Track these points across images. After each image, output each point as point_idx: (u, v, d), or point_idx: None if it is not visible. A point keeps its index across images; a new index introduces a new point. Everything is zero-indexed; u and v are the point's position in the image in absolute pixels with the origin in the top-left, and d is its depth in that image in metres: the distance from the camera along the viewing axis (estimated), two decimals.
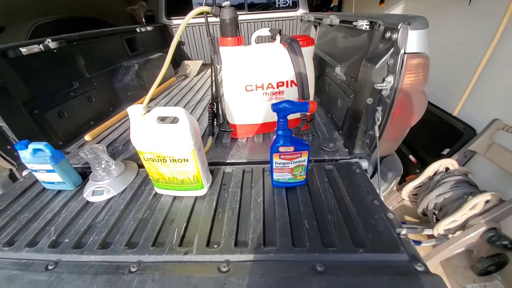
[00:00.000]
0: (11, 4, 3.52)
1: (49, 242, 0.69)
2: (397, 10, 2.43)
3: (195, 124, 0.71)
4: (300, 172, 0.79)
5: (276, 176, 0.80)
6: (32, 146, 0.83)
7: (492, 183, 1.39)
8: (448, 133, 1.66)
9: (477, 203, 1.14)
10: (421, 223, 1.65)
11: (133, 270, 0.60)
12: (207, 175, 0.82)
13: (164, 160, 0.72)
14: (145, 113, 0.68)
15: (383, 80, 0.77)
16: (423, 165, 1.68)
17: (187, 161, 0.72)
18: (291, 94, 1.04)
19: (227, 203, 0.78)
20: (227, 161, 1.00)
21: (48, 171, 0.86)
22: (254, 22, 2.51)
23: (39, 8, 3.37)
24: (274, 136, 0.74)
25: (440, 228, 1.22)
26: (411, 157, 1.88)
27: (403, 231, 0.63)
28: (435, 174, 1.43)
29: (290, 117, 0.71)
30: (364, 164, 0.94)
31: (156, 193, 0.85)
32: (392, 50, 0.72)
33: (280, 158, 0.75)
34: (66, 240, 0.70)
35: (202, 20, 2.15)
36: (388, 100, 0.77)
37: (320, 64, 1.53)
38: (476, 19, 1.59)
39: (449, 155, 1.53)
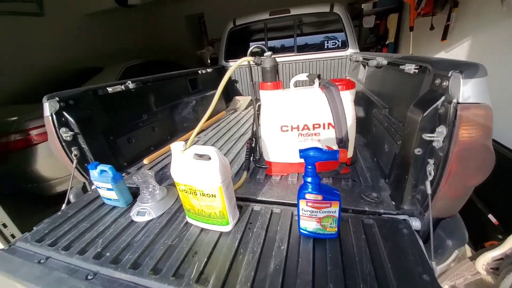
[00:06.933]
0: (110, 50, 4.70)
1: (95, 253, 0.78)
2: (463, 46, 2.20)
3: (225, 163, 0.76)
4: (331, 224, 0.72)
5: (303, 224, 0.75)
6: (100, 167, 1.00)
7: None
8: None
9: None
10: None
11: None
12: (233, 212, 0.83)
13: (195, 193, 0.77)
14: (184, 150, 0.76)
15: (434, 130, 0.68)
16: (508, 229, 1.31)
17: (215, 196, 0.75)
18: (328, 136, 1.01)
19: (249, 245, 0.76)
20: (257, 198, 1.00)
21: (108, 189, 1.02)
22: (302, 62, 2.63)
23: (130, 53, 4.37)
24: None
25: None
26: (491, 217, 1.50)
27: None
28: None
29: None
30: (415, 223, 0.80)
31: (187, 222, 0.90)
32: (443, 98, 0.65)
33: (307, 205, 0.71)
34: (108, 254, 0.78)
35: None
36: (441, 153, 0.67)
37: (367, 104, 1.47)
38: None
39: None
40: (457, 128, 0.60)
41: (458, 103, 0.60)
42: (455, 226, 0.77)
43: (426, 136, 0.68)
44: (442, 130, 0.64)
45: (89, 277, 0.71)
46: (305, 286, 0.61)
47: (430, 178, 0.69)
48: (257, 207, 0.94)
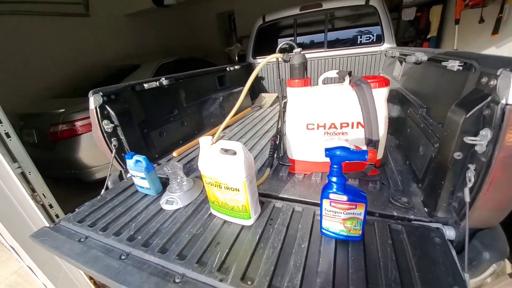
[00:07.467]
0: (146, 49, 5.04)
1: (128, 235, 0.86)
2: None
3: (250, 158, 0.78)
4: (355, 226, 0.70)
5: (326, 224, 0.74)
6: (135, 157, 1.09)
7: None
8: None
9: None
10: None
11: (177, 281, 0.67)
12: (255, 207, 0.84)
13: (220, 186, 0.80)
14: (211, 144, 0.79)
15: (477, 133, 0.62)
16: None
17: (238, 190, 0.77)
18: (357, 136, 0.97)
19: (270, 240, 0.77)
20: (279, 195, 1.01)
21: (141, 178, 1.11)
22: (333, 58, 2.54)
23: (164, 52, 4.65)
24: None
25: None
26: None
27: None
28: None
29: None
30: (449, 233, 0.74)
31: (211, 213, 0.94)
32: (489, 98, 0.59)
33: (330, 205, 0.70)
34: (139, 237, 0.86)
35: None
36: (484, 158, 0.61)
37: (402, 103, 1.38)
38: None
39: None
40: (504, 132, 0.54)
41: (506, 104, 0.54)
42: (494, 238, 0.69)
43: (468, 139, 0.62)
44: (486, 133, 0.59)
45: (122, 257, 0.77)
46: (324, 285, 0.60)
47: (469, 185, 0.63)
48: (278, 204, 0.95)
